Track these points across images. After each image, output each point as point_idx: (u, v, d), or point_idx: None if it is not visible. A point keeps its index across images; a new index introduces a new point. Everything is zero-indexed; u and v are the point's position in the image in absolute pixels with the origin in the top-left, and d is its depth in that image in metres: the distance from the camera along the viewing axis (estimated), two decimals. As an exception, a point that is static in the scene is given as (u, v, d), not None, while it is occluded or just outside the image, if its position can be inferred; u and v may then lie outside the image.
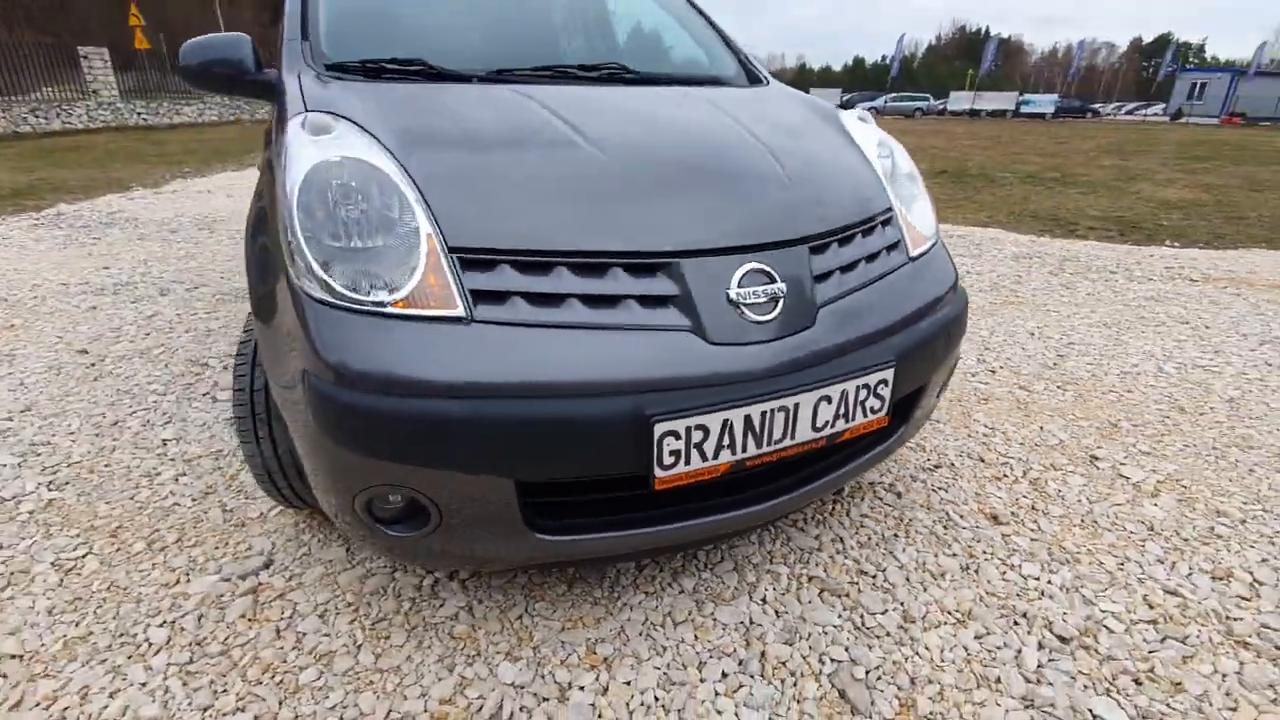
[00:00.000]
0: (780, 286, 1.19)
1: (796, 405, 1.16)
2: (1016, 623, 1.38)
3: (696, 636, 1.33)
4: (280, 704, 1.17)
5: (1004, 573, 1.53)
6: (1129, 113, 49.91)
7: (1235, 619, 1.41)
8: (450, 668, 1.25)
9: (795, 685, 1.22)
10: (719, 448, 1.12)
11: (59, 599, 1.40)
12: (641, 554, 1.35)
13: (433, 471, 1.05)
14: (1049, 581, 1.50)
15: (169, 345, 2.73)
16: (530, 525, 1.13)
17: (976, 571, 1.53)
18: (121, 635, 1.31)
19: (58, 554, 1.54)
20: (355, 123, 1.26)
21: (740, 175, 1.35)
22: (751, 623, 1.36)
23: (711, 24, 2.28)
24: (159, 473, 1.86)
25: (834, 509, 1.74)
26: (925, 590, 1.46)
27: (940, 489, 1.85)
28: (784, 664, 1.27)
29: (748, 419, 1.12)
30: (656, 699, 1.19)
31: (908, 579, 1.49)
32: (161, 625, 1.34)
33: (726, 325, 1.14)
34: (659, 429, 1.06)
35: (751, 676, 1.24)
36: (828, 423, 1.21)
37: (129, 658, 1.26)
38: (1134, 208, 6.62)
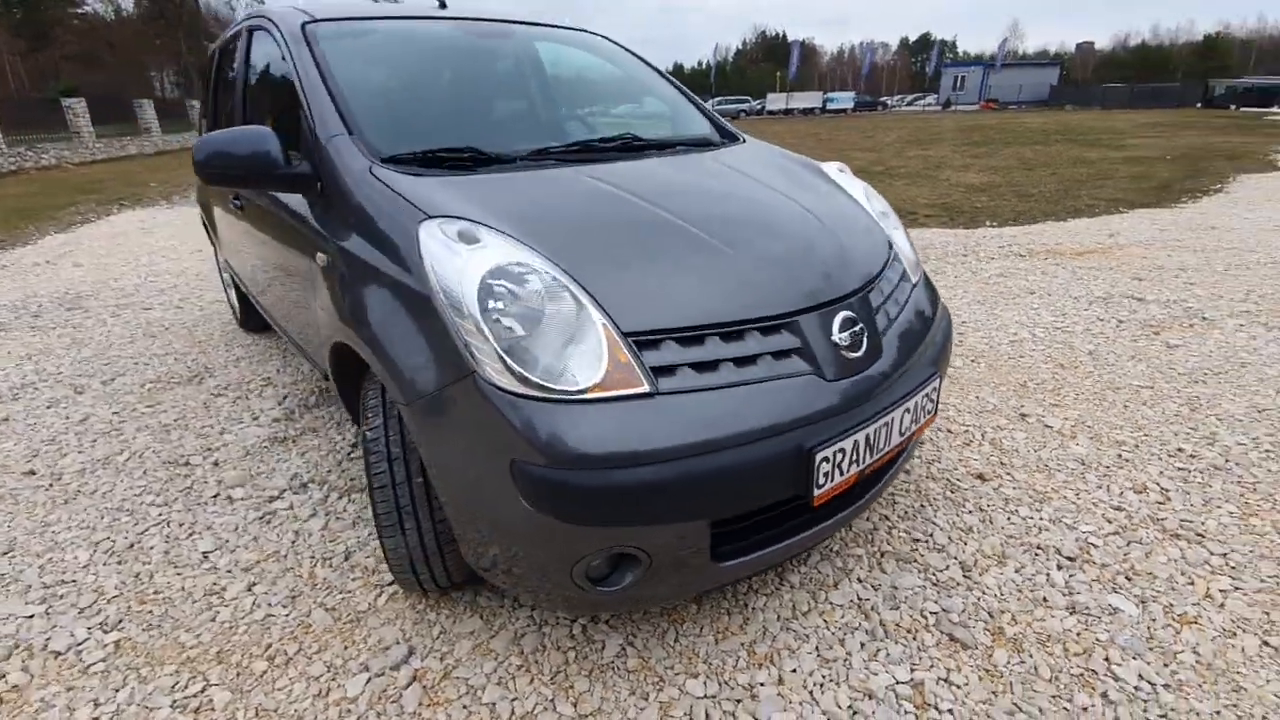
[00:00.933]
0: (860, 327, 1.49)
1: (893, 419, 1.46)
2: (1037, 554, 1.80)
3: (825, 620, 1.60)
4: (515, 768, 1.27)
5: (1009, 518, 1.96)
6: (909, 104, 57.60)
7: (1162, 519, 1.95)
8: (645, 697, 1.41)
9: (916, 639, 1.54)
10: (851, 463, 1.39)
11: (207, 738, 1.36)
12: (788, 559, 1.58)
13: (650, 528, 1.22)
14: (1041, 518, 1.96)
15: (129, 449, 2.48)
16: (714, 556, 1.33)
17: (991, 521, 1.95)
18: (309, 753, 1.32)
19: (171, 695, 1.45)
20: (490, 225, 1.37)
21: (808, 240, 1.62)
22: (860, 599, 1.66)
23: (678, 87, 2.55)
24: (224, 588, 1.77)
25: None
26: (965, 543, 1.85)
27: (932, 461, 2.28)
28: (899, 625, 1.58)
29: (868, 436, 1.41)
30: (827, 675, 1.44)
31: (949, 538, 1.88)
32: (344, 732, 1.35)
33: (835, 364, 1.41)
34: (818, 456, 1.31)
35: (881, 640, 1.53)
36: (907, 428, 1.53)
37: (335, 770, 1.28)
38: (950, 194, 7.87)
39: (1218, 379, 2.84)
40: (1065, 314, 3.67)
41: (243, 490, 2.20)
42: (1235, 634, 1.52)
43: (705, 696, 1.40)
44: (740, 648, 1.52)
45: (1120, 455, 2.28)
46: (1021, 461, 2.26)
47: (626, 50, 2.67)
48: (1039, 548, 1.83)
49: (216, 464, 2.37)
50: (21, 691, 1.48)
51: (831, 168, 2.14)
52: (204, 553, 1.91)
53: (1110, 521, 1.94)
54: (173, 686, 1.48)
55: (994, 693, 1.40)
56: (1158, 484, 2.12)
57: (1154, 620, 1.57)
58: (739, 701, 1.39)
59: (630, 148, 2.03)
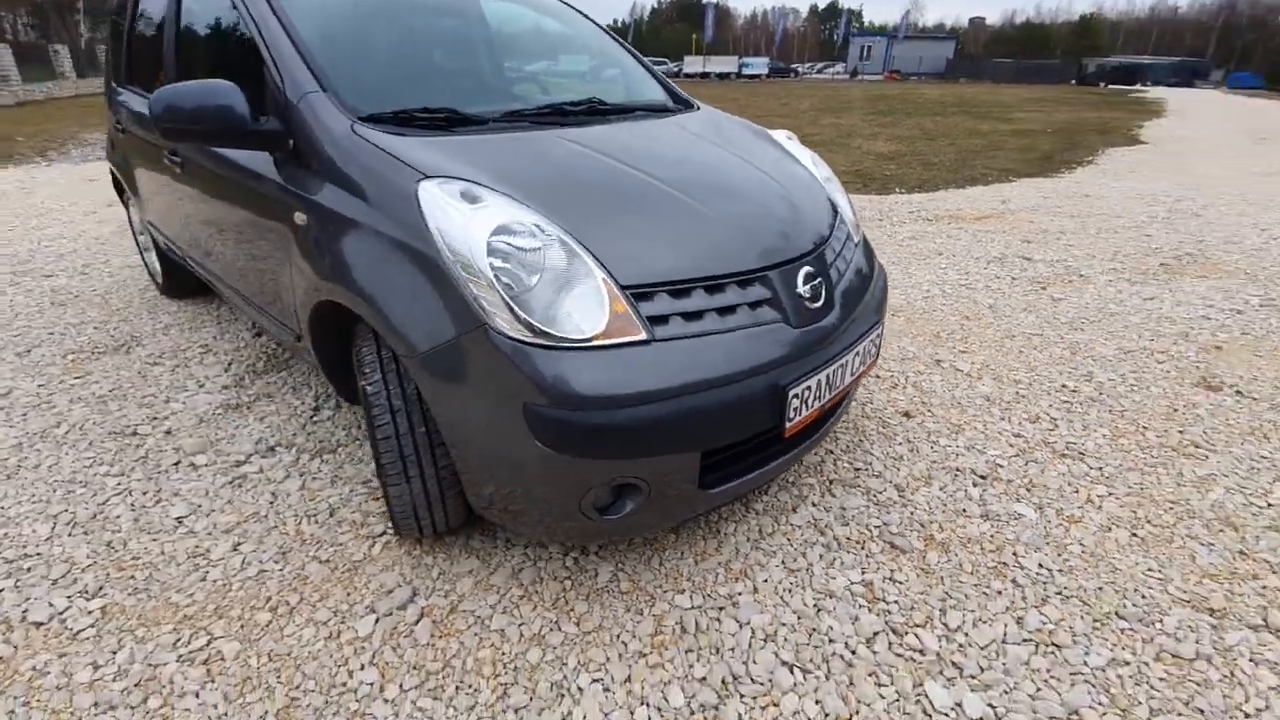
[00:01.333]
0: (820, 281, 1.68)
1: (846, 361, 1.67)
2: (956, 474, 2.11)
3: (787, 539, 1.82)
4: (533, 679, 1.41)
5: (932, 447, 2.26)
6: (819, 72, 59.19)
7: (1053, 443, 2.31)
8: (640, 612, 1.58)
9: (864, 548, 1.79)
10: (815, 399, 1.59)
11: (225, 688, 1.41)
12: (759, 486, 1.77)
13: (650, 459, 1.37)
14: (957, 445, 2.27)
15: (66, 421, 2.36)
16: (702, 484, 1.50)
17: (917, 450, 2.24)
18: (333, 688, 1.40)
19: (175, 651, 1.49)
20: (487, 185, 1.44)
21: (772, 202, 1.79)
22: (815, 519, 1.89)
23: (636, 55, 2.62)
24: (208, 550, 1.78)
25: (810, 432, 2.34)
26: (898, 469, 2.13)
27: (865, 402, 2.55)
28: (849, 538, 1.82)
29: (828, 376, 1.61)
30: (794, 582, 1.66)
31: (884, 465, 2.15)
32: (363, 667, 1.44)
33: (799, 313, 1.60)
34: (790, 393, 1.50)
35: (836, 551, 1.77)
36: (857, 369, 1.75)
37: (363, 700, 1.37)
38: (862, 162, 8.33)
39: (1093, 326, 3.30)
40: (968, 272, 4.09)
41: (205, 457, 2.17)
42: (1110, 529, 1.87)
43: (692, 608, 1.59)
44: (718, 566, 1.72)
45: (1018, 392, 2.64)
46: (939, 400, 2.57)
47: (582, 15, 2.71)
48: (957, 470, 2.13)
49: (169, 433, 2.31)
50: (8, 662, 1.46)
51: (780, 135, 2.31)
52: (177, 518, 1.90)
53: (1012, 446, 2.28)
54: (175, 643, 1.51)
55: (929, 585, 1.67)
56: (1048, 414, 2.49)
57: (1049, 522, 1.90)
58: (721, 609, 1.59)
59: (595, 112, 2.11)
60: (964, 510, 1.94)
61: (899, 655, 1.48)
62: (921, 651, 1.49)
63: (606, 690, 1.39)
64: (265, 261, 1.97)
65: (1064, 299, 3.63)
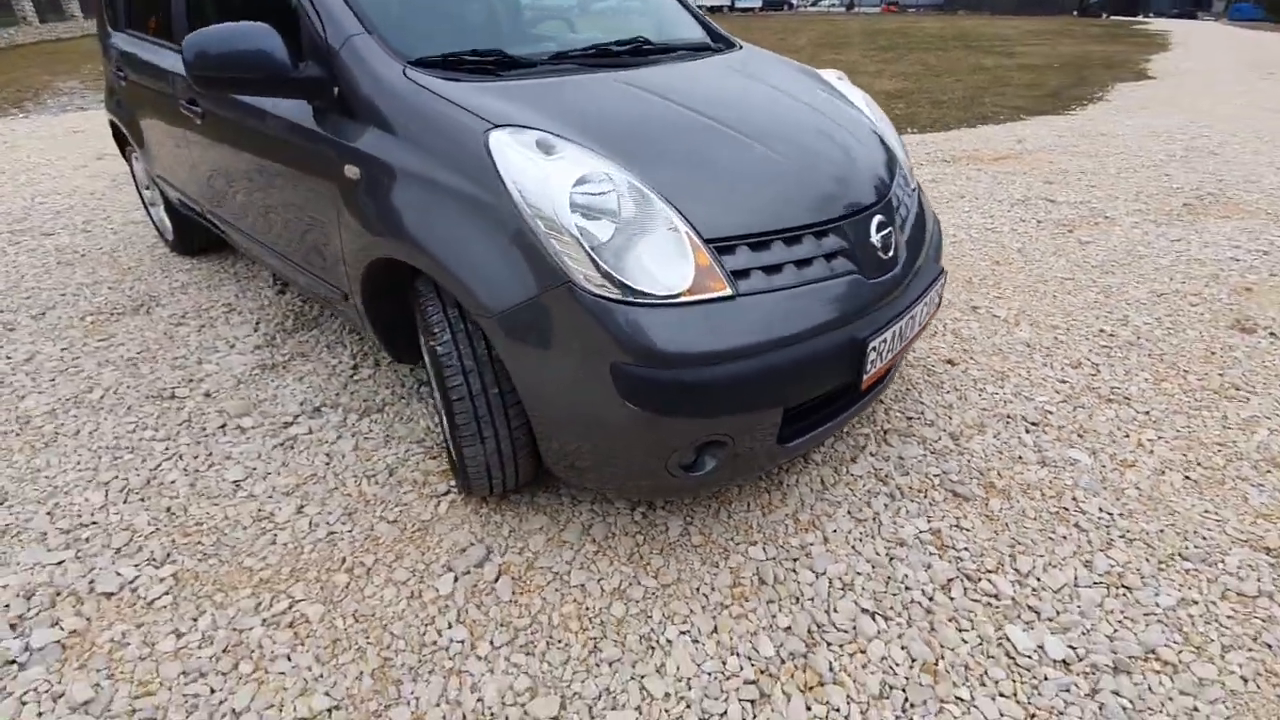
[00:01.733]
0: (889, 230, 1.63)
1: (916, 312, 1.65)
2: (1008, 421, 2.12)
3: (850, 489, 1.83)
4: (621, 632, 1.43)
5: (980, 394, 2.27)
6: (814, 5, 57.00)
7: (1097, 388, 2.32)
8: (715, 565, 1.60)
9: (927, 496, 1.81)
10: (889, 350, 1.57)
11: (314, 651, 1.41)
12: (827, 438, 1.76)
13: (738, 417, 1.36)
14: (1005, 392, 2.27)
15: (99, 385, 2.30)
16: (779, 439, 1.50)
17: (966, 398, 2.25)
18: (424, 647, 1.41)
19: (259, 615, 1.49)
20: (560, 134, 1.37)
21: (839, 147, 1.71)
22: (875, 469, 1.90)
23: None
24: (272, 513, 1.77)
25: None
26: (950, 418, 2.13)
27: (910, 350, 2.54)
28: (912, 487, 1.84)
29: (900, 328, 1.58)
30: (863, 532, 1.68)
31: (936, 414, 2.15)
32: (451, 625, 1.46)
33: (873, 264, 1.56)
34: (869, 345, 1.48)
35: (900, 500, 1.79)
36: (924, 319, 1.72)
37: (456, 657, 1.39)
38: (870, 100, 8.09)
39: (1123, 270, 3.28)
40: (993, 216, 4.03)
41: (251, 419, 2.14)
42: (1164, 472, 1.90)
43: (767, 559, 1.61)
44: (786, 518, 1.74)
45: (1056, 338, 2.64)
46: (980, 347, 2.57)
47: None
48: (1008, 417, 2.14)
49: (208, 395, 2.26)
50: (84, 635, 1.46)
51: (830, 75, 2.21)
52: (234, 482, 1.88)
53: (1058, 392, 2.28)
54: (256, 607, 1.51)
55: (995, 532, 1.69)
56: (1089, 360, 2.49)
57: (1104, 466, 1.92)
58: (795, 560, 1.61)
59: (640, 52, 2.00)
60: (1020, 457, 1.96)
61: (975, 601, 1.51)
62: (996, 596, 1.52)
63: (695, 641, 1.42)
64: (305, 217, 1.88)
65: (1092, 242, 3.60)
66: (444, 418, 1.63)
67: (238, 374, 2.38)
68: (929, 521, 1.73)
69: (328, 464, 1.94)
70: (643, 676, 1.35)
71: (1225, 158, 5.26)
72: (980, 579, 1.56)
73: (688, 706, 1.30)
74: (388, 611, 1.49)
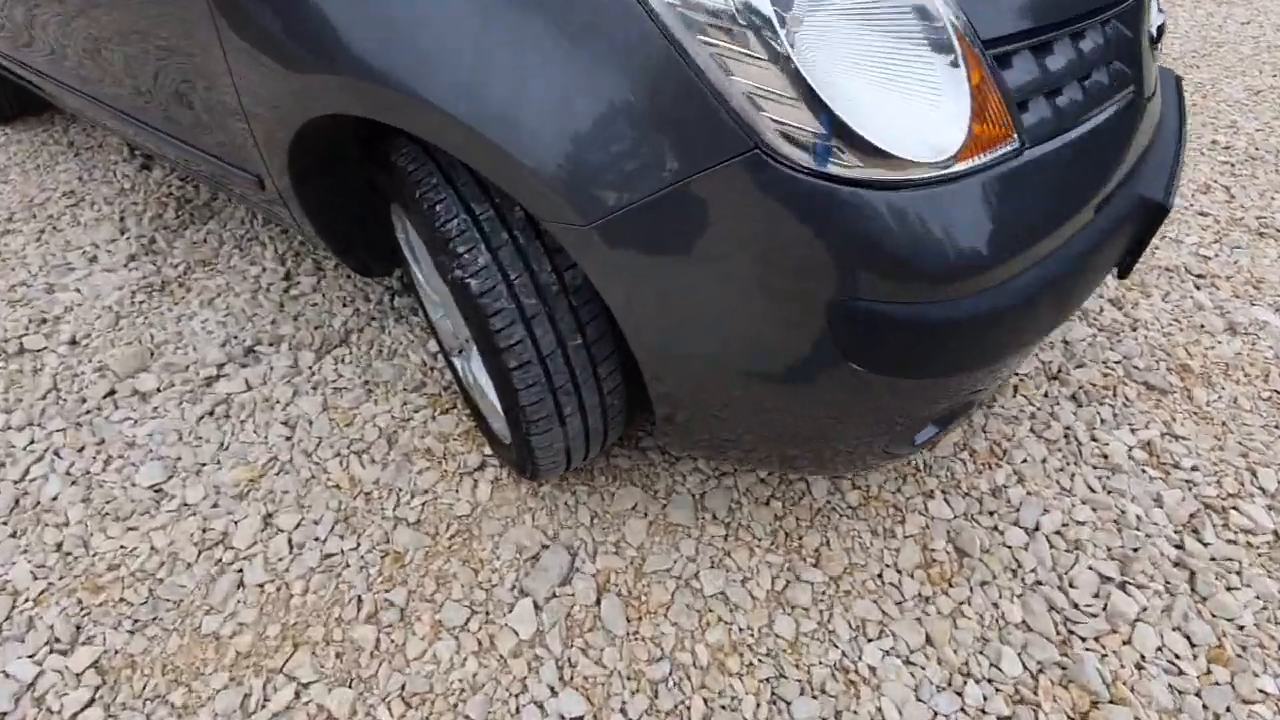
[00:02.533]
0: (1163, 21, 1.03)
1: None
2: (1169, 275, 1.68)
3: (1024, 396, 1.39)
4: (802, 665, 1.00)
5: (1121, 242, 1.80)
6: None
7: (1241, 219, 1.88)
8: (891, 534, 1.16)
9: (1116, 395, 1.39)
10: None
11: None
12: None
13: (1015, 355, 0.83)
14: (1148, 237, 1.82)
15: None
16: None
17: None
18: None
19: None
20: None
21: None
22: (1043, 363, 1.46)
23: None
24: (226, 534, 1.17)
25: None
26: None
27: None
28: (1094, 384, 1.41)
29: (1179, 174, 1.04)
30: (1062, 459, 1.27)
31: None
32: (555, 693, 0.98)
33: (1147, 76, 0.97)
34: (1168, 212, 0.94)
35: (1088, 404, 1.37)
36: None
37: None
38: None
39: (1207, 62, 2.75)
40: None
41: (152, 377, 1.43)
42: (1371, 326, 1.54)
43: (956, 516, 1.18)
44: (956, 449, 1.29)
45: None
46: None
47: None
48: (1168, 269, 1.70)
49: (74, 343, 1.52)
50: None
51: None
52: (152, 487, 1.24)
53: (1205, 229, 1.84)
54: (243, 705, 0.99)
55: (1217, 437, 1.31)
56: (1217, 183, 2.03)
57: (1301, 327, 1.54)
58: (994, 513, 1.19)
59: None
60: (1203, 325, 1.55)
61: (1232, 543, 1.15)
62: (1253, 532, 1.16)
63: (907, 664, 1.01)
64: (178, 56, 1.07)
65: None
66: (494, 389, 1.04)
67: (112, 304, 1.62)
68: (1133, 432, 1.32)
69: (289, 438, 1.32)
70: (853, 731, 0.95)
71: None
72: (1227, 509, 1.19)
73: (930, 769, 0.92)
74: (452, 684, 1.00)
